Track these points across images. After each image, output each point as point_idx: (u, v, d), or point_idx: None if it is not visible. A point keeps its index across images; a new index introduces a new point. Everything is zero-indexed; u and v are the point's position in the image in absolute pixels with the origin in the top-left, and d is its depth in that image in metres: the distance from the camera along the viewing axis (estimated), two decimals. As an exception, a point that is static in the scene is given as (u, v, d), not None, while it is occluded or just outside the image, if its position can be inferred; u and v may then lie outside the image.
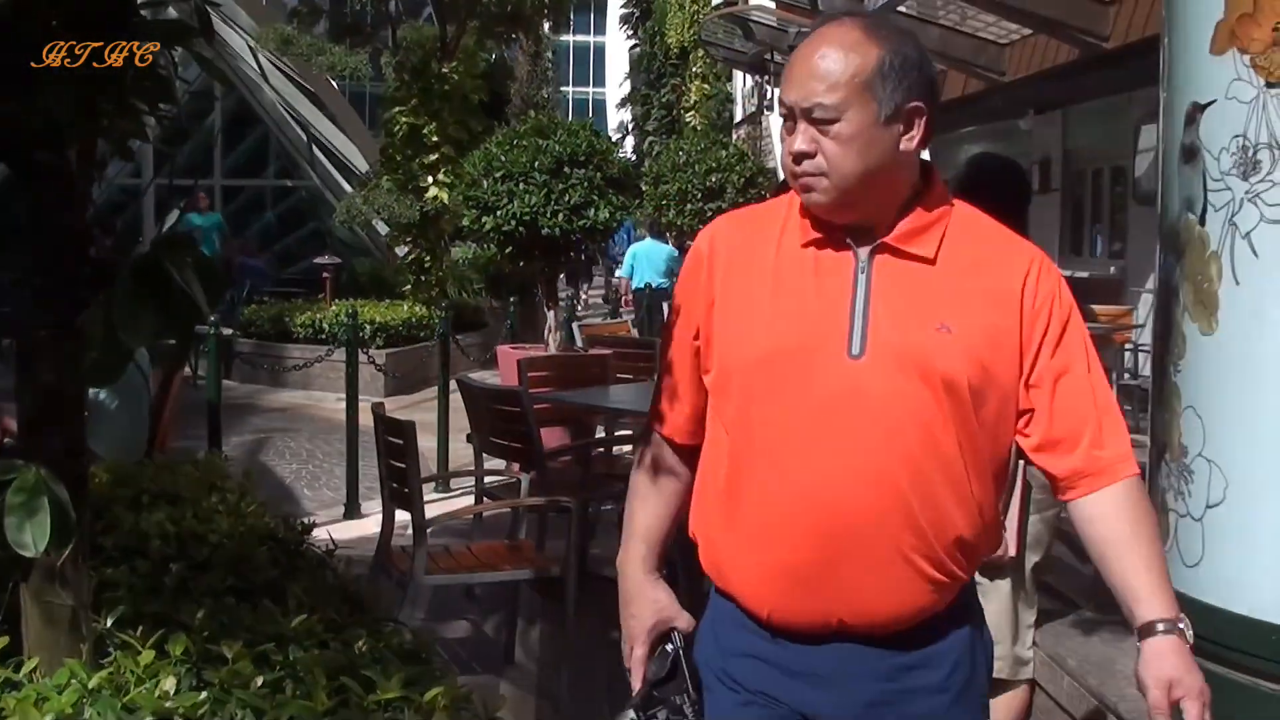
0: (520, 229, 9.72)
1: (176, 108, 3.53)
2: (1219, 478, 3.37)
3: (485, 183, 9.82)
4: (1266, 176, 3.24)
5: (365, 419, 6.84)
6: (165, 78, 3.66)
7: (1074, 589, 4.83)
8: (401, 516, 5.48)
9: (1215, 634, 3.27)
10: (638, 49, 44.65)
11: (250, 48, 20.88)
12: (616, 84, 58.16)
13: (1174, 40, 3.66)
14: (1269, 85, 3.24)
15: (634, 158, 36.96)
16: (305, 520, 4.58)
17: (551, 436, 7.84)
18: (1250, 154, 3.30)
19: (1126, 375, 12.68)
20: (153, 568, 3.72)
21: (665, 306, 14.84)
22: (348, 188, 20.36)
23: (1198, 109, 3.49)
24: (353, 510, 8.71)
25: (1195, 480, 3.46)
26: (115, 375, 3.51)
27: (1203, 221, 3.45)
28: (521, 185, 9.71)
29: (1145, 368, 13.41)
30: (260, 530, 4.45)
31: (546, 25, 23.59)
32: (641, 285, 17.32)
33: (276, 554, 4.24)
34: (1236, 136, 3.32)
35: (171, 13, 3.68)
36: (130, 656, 2.71)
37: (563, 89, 71.33)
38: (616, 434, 8.13)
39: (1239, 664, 3.27)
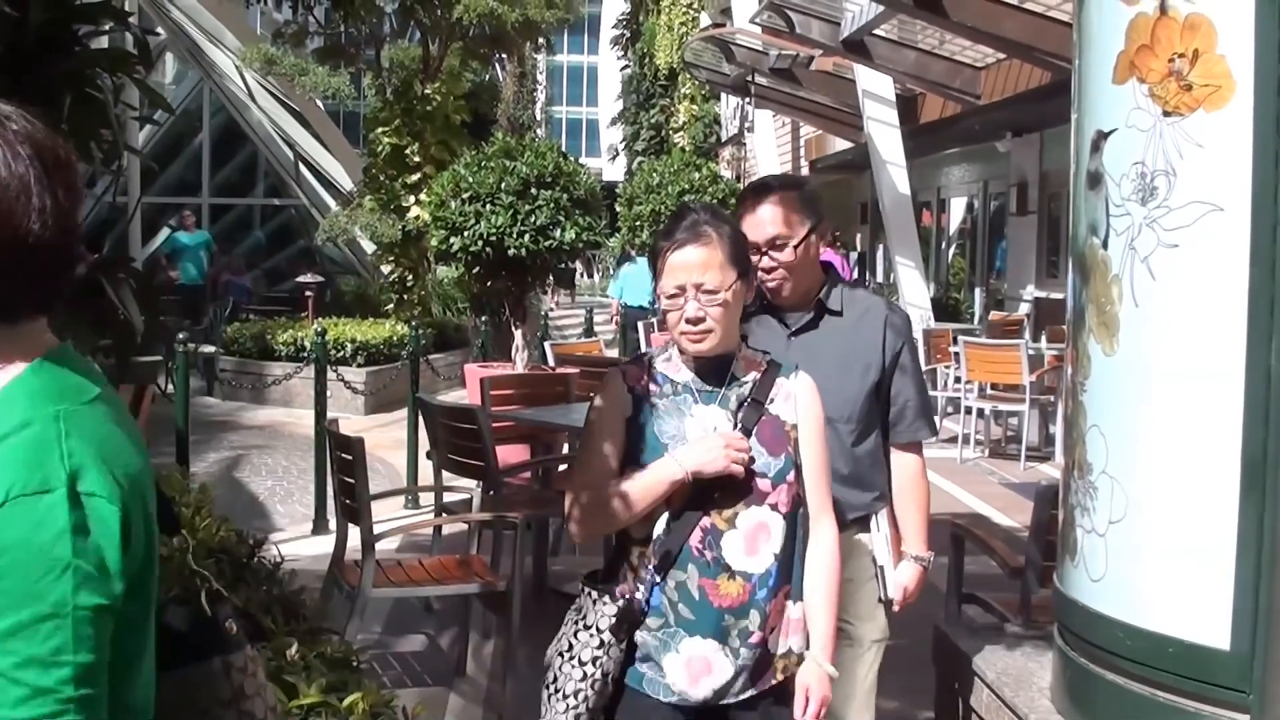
0: (487, 250, 9.84)
1: (113, 132, 3.64)
2: (1120, 494, 3.46)
3: (453, 203, 9.94)
4: (1163, 202, 3.34)
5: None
6: (104, 102, 3.78)
7: (1005, 604, 4.93)
8: (355, 530, 5.57)
9: (1117, 646, 3.37)
10: (628, 70, 44.84)
11: (236, 67, 21.02)
12: (609, 104, 58.34)
13: (1082, 70, 3.77)
14: (1165, 114, 3.34)
15: (624, 178, 37.10)
16: (259, 535, 4.69)
17: (515, 454, 7.95)
18: (1148, 180, 3.40)
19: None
20: None
21: (640, 326, 14.95)
22: (334, 206, 20.49)
23: (1101, 136, 3.60)
24: (321, 526, 8.80)
25: (1099, 497, 3.54)
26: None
27: (1105, 246, 3.55)
28: (488, 206, 9.83)
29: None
30: (211, 544, 4.57)
31: (530, 47, 23.74)
32: (635, 305, 17.51)
33: (224, 566, 4.35)
34: (1136, 163, 3.42)
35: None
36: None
37: (556, 109, 71.56)
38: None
39: (1138, 675, 3.36)
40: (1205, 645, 3.20)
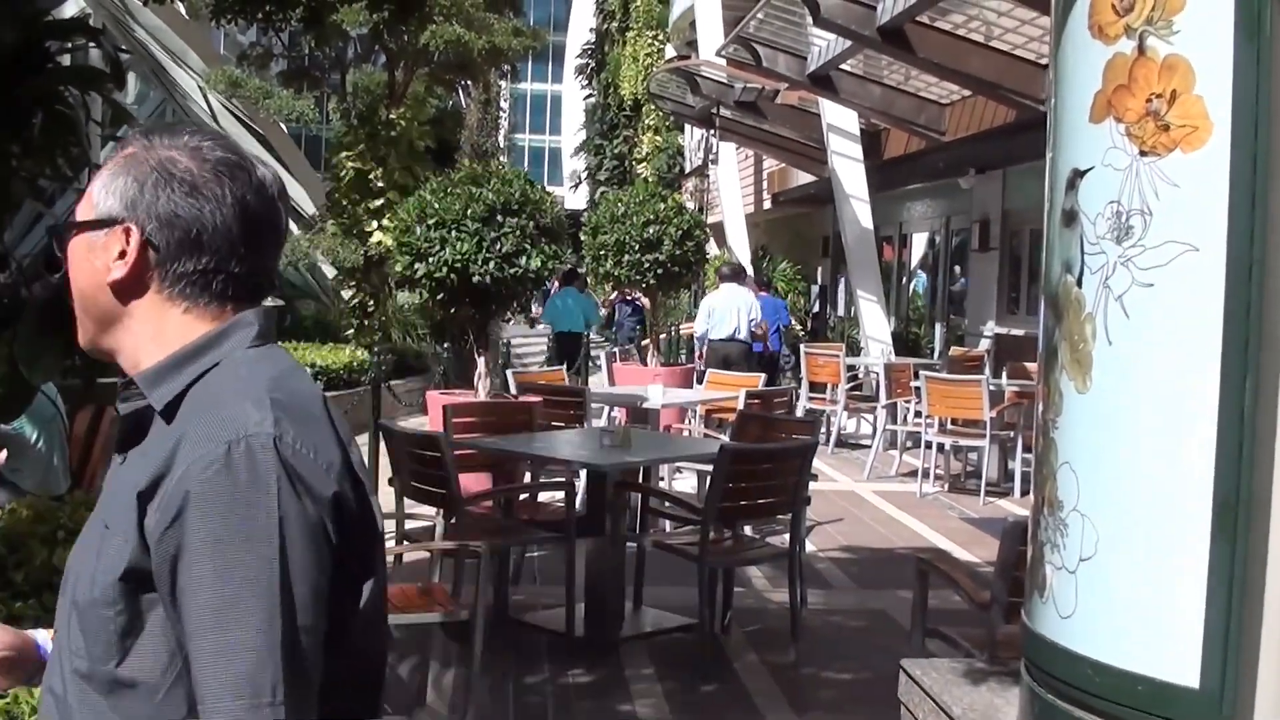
0: (452, 276, 9.80)
1: (83, 148, 3.61)
2: (1091, 531, 3.46)
3: (418, 229, 9.90)
4: (1138, 242, 3.35)
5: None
6: (74, 119, 3.75)
7: (971, 639, 4.92)
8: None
9: (1086, 683, 3.37)
10: (591, 99, 44.96)
11: (200, 88, 20.91)
12: (572, 133, 58.43)
13: (1058, 108, 3.80)
14: (1142, 154, 3.36)
15: (586, 207, 37.17)
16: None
17: (477, 482, 7.91)
18: (1124, 219, 3.41)
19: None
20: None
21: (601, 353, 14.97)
22: (295, 230, 20.38)
23: (1077, 175, 3.62)
24: (279, 552, 8.71)
25: (1069, 534, 3.54)
26: (18, 411, 3.57)
27: (1080, 284, 3.56)
28: (454, 233, 9.79)
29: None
30: (170, 568, 4.50)
31: (495, 74, 23.76)
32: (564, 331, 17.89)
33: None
34: (1111, 202, 3.44)
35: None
36: (29, 689, 2.75)
37: (519, 137, 71.59)
38: (540, 480, 8.20)
39: (1107, 713, 3.35)
40: (1175, 683, 3.20)
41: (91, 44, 3.56)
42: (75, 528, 4.44)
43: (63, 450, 6.64)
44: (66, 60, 4.09)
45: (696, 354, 16.09)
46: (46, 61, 3.44)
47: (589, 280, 19.58)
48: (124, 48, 3.82)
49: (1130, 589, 3.39)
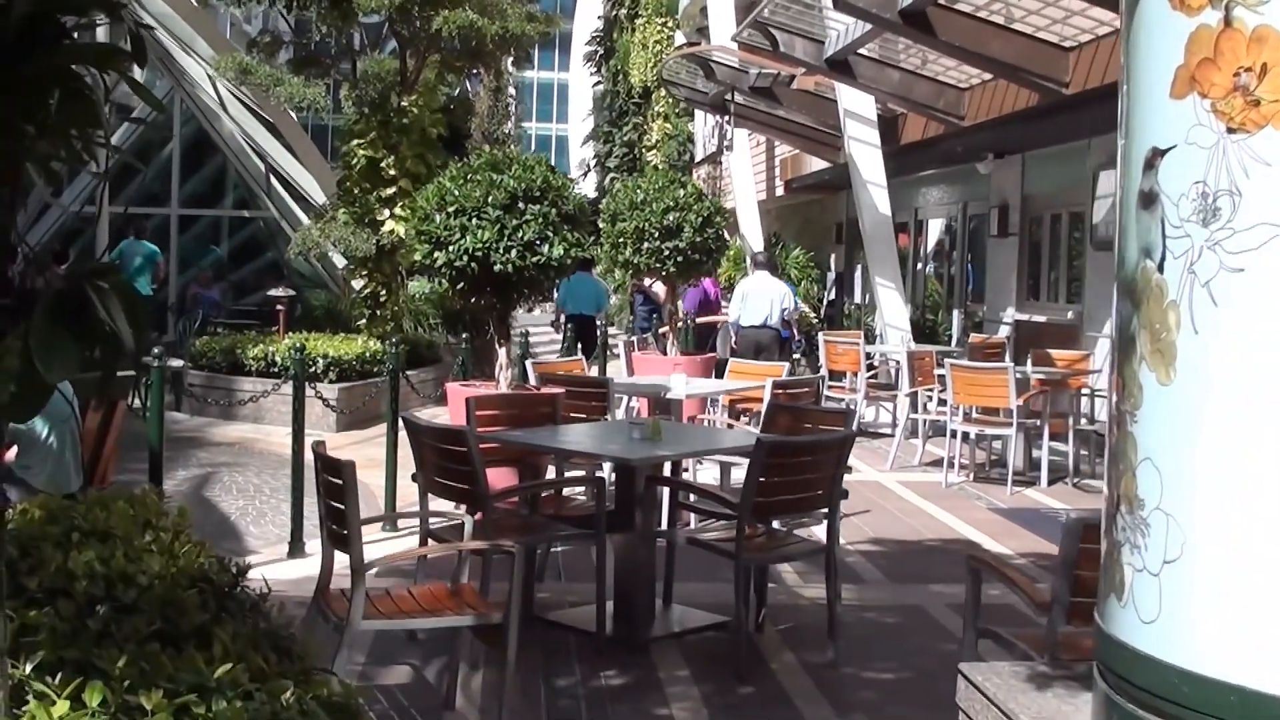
0: (472, 265, 9.57)
1: (105, 131, 3.39)
2: (1176, 531, 3.27)
3: (438, 217, 9.67)
4: (1226, 224, 3.15)
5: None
6: (93, 100, 3.54)
7: (1026, 640, 4.72)
8: (342, 558, 5.31)
9: (1171, 692, 3.18)
10: (600, 87, 44.73)
11: (209, 76, 20.73)
12: (579, 121, 58.22)
13: (1133, 84, 3.58)
14: (1229, 131, 3.16)
15: (595, 195, 37.03)
16: (241, 562, 4.43)
17: (500, 477, 7.71)
18: (1210, 201, 3.21)
19: (1084, 420, 12.67)
20: (77, 610, 3.58)
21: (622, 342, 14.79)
22: (305, 219, 20.21)
23: (1157, 154, 3.40)
24: (296, 549, 8.53)
25: (1152, 534, 3.35)
26: (34, 410, 3.35)
27: (1161, 269, 3.36)
28: (474, 220, 9.56)
29: (1101, 413, 13.42)
30: (192, 571, 4.30)
31: (508, 61, 23.54)
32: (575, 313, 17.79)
33: (207, 597, 4.09)
34: (1197, 183, 3.23)
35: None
36: (45, 708, 2.58)
37: (526, 125, 71.47)
38: (566, 475, 8.01)
39: (1196, 726, 3.17)
40: (1271, 693, 3.02)
41: (109, 19, 3.35)
42: (90, 529, 4.27)
43: (74, 446, 6.47)
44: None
45: (733, 340, 16.18)
46: (63, 36, 3.23)
47: (599, 267, 19.49)
48: (147, 23, 3.61)
49: (1221, 593, 3.19)
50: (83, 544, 4.04)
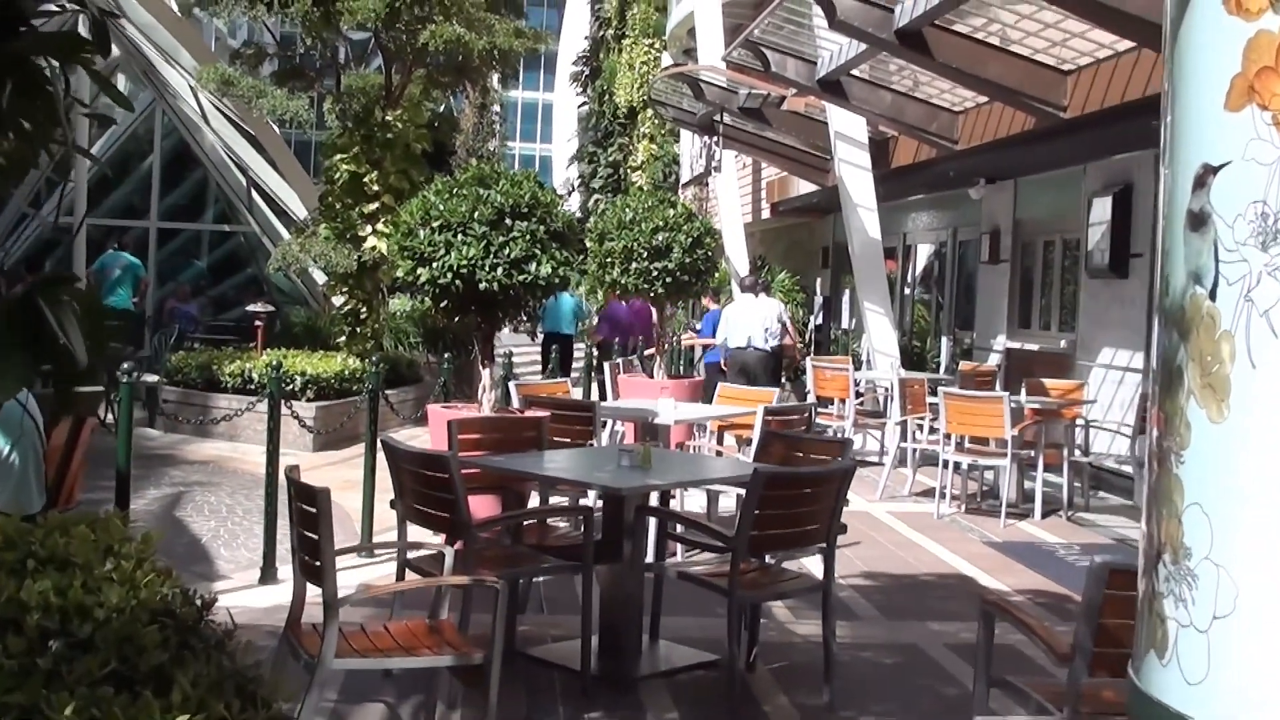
0: (457, 282, 9.25)
1: (64, 131, 3.09)
2: (1228, 585, 2.98)
3: (422, 233, 9.35)
4: (1289, 248, 2.87)
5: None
6: (51, 95, 3.23)
7: (1046, 694, 4.44)
8: (314, 590, 5.00)
9: (1221, 762, 2.90)
10: (586, 107, 44.53)
11: (191, 88, 20.42)
12: (564, 141, 58.04)
13: (1180, 95, 3.29)
14: (1293, 146, 2.88)
15: (580, 215, 36.81)
16: (207, 594, 4.12)
17: (482, 504, 7.39)
18: (1271, 222, 2.93)
19: (1078, 452, 12.42)
20: (28, 646, 3.34)
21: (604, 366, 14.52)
22: (286, 234, 19.89)
23: (1209, 171, 3.12)
24: (269, 574, 8.21)
25: (1200, 586, 3.06)
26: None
27: (1213, 297, 3.07)
28: (460, 236, 9.24)
29: (1095, 444, 13.17)
30: (154, 604, 3.99)
31: (494, 78, 23.30)
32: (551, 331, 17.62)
33: (169, 633, 3.79)
34: (1255, 202, 2.96)
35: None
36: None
37: (510, 144, 71.35)
38: (552, 502, 7.71)
39: (1248, 798, 2.88)
40: (1336, 768, 2.73)
41: (73, 5, 3.05)
42: (47, 556, 3.96)
43: (38, 464, 6.14)
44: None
45: (722, 362, 16.42)
46: (20, 23, 2.93)
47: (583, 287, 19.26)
48: (118, 13, 3.30)
49: (1278, 653, 2.91)
50: (39, 572, 3.78)
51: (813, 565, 8.60)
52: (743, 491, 8.77)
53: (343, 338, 16.77)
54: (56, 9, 3.35)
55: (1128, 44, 11.09)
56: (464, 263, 9.17)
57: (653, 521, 7.16)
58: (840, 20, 12.27)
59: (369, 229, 16.24)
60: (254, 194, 22.61)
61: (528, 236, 9.27)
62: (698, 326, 20.42)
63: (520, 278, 9.24)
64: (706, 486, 8.28)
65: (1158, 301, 3.38)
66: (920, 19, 11.76)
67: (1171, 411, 3.18)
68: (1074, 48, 12.15)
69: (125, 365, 7.77)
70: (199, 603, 4.17)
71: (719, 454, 11.00)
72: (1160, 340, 3.33)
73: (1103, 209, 14.07)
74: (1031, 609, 7.42)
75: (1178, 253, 3.20)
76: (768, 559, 6.87)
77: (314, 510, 4.75)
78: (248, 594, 7.84)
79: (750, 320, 15.44)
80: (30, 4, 3.07)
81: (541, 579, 7.86)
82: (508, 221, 9.30)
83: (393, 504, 6.50)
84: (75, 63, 3.25)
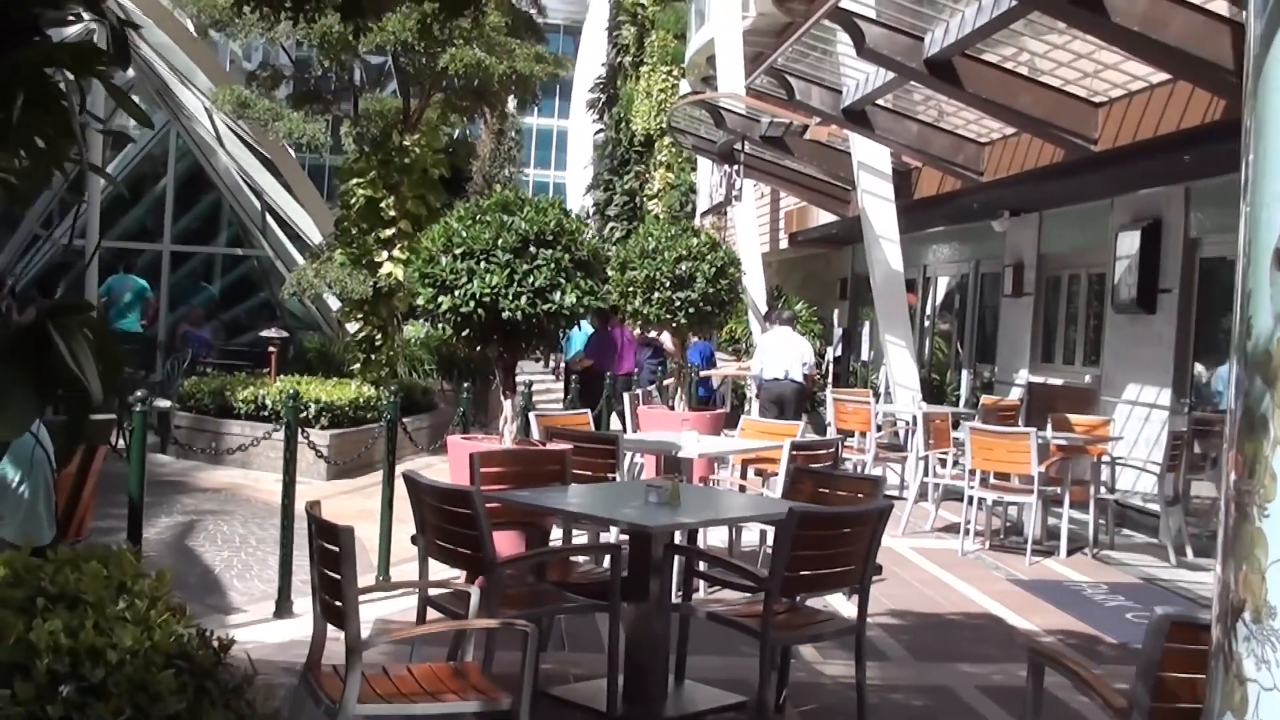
0: (479, 311, 9.07)
1: (79, 146, 2.91)
2: (1319, 650, 2.80)
3: (444, 259, 9.17)
4: (1390, 290, 2.69)
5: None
6: (64, 107, 3.05)
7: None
8: (335, 631, 4.81)
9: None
10: (602, 134, 44.42)
11: (206, 109, 20.32)
12: (580, 168, 57.92)
13: (1266, 126, 3.11)
14: (1396, 180, 2.70)
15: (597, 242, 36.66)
16: (225, 636, 3.94)
17: (505, 539, 7.21)
18: (1368, 263, 2.75)
19: (1103, 489, 12.20)
20: (37, 692, 3.18)
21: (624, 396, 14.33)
22: (300, 259, 19.76)
23: (1300, 208, 2.94)
24: (284, 608, 8.02)
25: (1287, 649, 2.88)
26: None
27: (1305, 341, 2.89)
28: (483, 264, 9.07)
29: (1121, 481, 12.94)
30: (169, 647, 3.81)
31: (512, 103, 23.16)
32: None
33: (185, 678, 3.62)
34: (1350, 241, 2.77)
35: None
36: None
37: (525, 171, 71.34)
38: (575, 538, 7.52)
39: None
40: None
41: (90, 15, 2.87)
42: (58, 593, 3.80)
43: (48, 495, 5.97)
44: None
45: (754, 393, 16.49)
46: (34, 33, 2.76)
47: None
48: (131, 21, 3.09)
49: (1377, 724, 2.72)
50: (48, 611, 3.61)
51: (837, 602, 8.42)
52: (766, 527, 8.64)
53: (357, 365, 16.60)
54: (71, 18, 3.18)
55: (1163, 76, 10.92)
56: (487, 291, 8.99)
57: (678, 559, 6.97)
58: (869, 49, 12.13)
59: (385, 255, 16.09)
60: (268, 218, 22.48)
61: (552, 265, 9.09)
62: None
63: (544, 307, 9.06)
64: (736, 524, 8.09)
65: (1236, 342, 3.20)
66: (950, 48, 11.62)
67: (1254, 458, 3.00)
68: (1106, 79, 11.98)
69: (138, 393, 7.61)
70: (216, 645, 3.99)
71: (742, 489, 10.79)
72: (1240, 382, 3.15)
73: (1130, 243, 13.89)
74: (1078, 657, 7.21)
75: (1262, 293, 3.03)
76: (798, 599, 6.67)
77: (337, 549, 4.57)
78: (262, 628, 7.66)
79: (788, 353, 15.44)
80: (44, 11, 2.91)
81: (562, 616, 7.67)
82: (532, 249, 9.13)
83: (414, 539, 6.32)
84: (92, 75, 3.07)
